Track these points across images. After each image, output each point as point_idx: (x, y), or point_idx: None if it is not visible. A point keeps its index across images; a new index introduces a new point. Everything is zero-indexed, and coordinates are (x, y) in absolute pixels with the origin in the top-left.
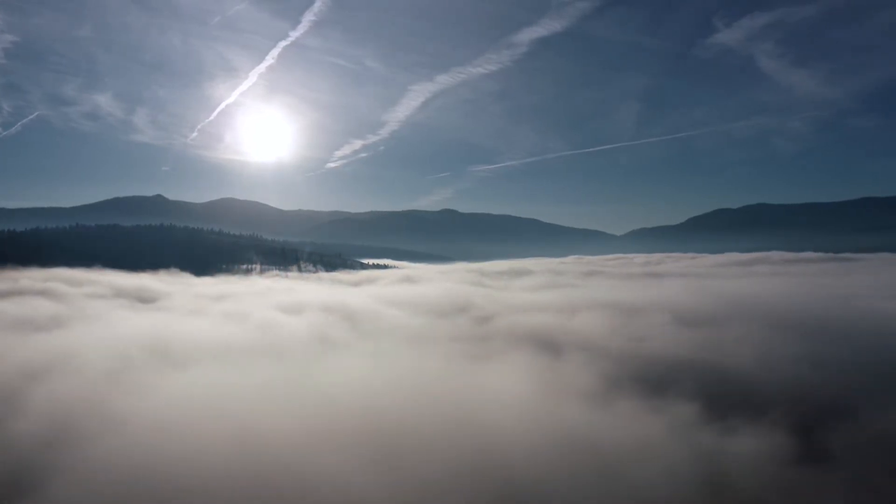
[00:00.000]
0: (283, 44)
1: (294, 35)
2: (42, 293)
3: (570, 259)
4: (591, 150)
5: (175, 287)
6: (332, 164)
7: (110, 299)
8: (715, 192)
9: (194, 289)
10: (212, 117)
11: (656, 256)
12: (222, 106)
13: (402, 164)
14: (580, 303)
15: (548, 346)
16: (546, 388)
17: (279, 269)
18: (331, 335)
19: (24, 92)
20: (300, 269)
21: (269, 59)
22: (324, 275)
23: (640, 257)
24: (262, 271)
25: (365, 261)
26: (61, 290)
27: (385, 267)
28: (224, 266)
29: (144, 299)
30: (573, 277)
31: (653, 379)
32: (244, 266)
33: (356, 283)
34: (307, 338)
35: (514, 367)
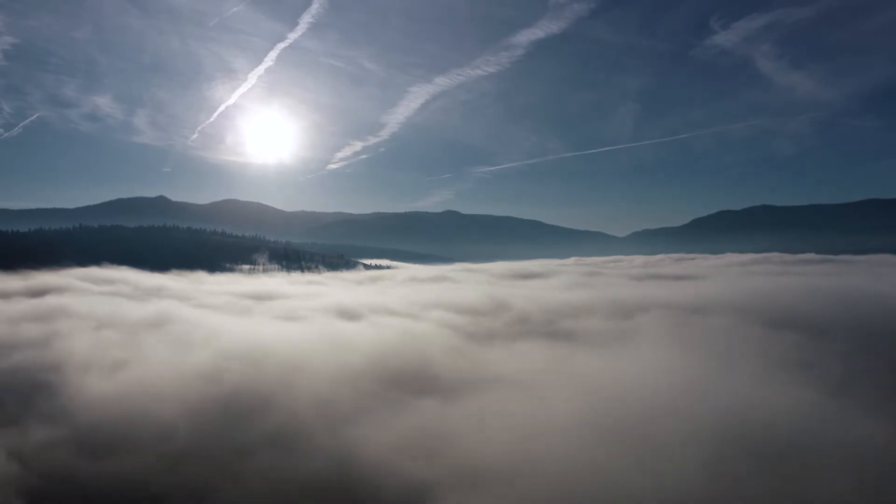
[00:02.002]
0: (281, 45)
1: (292, 37)
2: (79, 291)
3: (570, 260)
4: (591, 151)
5: (193, 286)
6: (332, 166)
7: (143, 298)
8: (717, 194)
9: (215, 287)
10: (212, 119)
11: (655, 258)
12: (222, 108)
13: (403, 166)
14: (630, 303)
15: (629, 340)
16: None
17: (283, 270)
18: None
19: (25, 93)
20: (303, 270)
21: (268, 60)
22: (328, 275)
23: (639, 258)
24: (265, 271)
25: (367, 261)
26: (92, 288)
27: (388, 267)
28: (228, 266)
29: (179, 298)
30: (595, 278)
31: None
32: (248, 266)
33: (360, 282)
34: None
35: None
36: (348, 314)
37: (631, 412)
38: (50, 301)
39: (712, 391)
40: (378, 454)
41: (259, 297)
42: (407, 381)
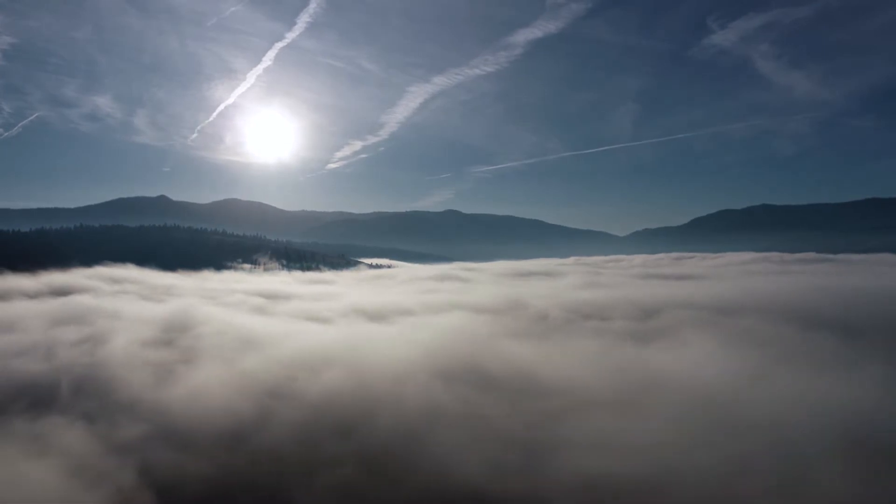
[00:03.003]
0: (279, 45)
1: (290, 36)
2: (100, 290)
3: (570, 260)
4: (589, 151)
5: (203, 285)
6: (332, 165)
7: (161, 298)
8: (717, 194)
9: (224, 286)
10: (211, 118)
11: (654, 257)
12: (221, 107)
13: (403, 166)
14: (648, 302)
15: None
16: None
17: (285, 269)
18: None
19: (24, 93)
20: (304, 269)
21: (266, 60)
22: (330, 274)
23: (638, 258)
24: (267, 270)
25: (368, 261)
26: (106, 288)
27: (389, 266)
28: (229, 265)
29: (197, 296)
30: (603, 277)
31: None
32: (249, 266)
33: (363, 280)
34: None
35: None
36: (374, 315)
37: (736, 419)
38: (78, 300)
39: (803, 392)
40: (478, 471)
41: (273, 297)
42: (474, 384)
